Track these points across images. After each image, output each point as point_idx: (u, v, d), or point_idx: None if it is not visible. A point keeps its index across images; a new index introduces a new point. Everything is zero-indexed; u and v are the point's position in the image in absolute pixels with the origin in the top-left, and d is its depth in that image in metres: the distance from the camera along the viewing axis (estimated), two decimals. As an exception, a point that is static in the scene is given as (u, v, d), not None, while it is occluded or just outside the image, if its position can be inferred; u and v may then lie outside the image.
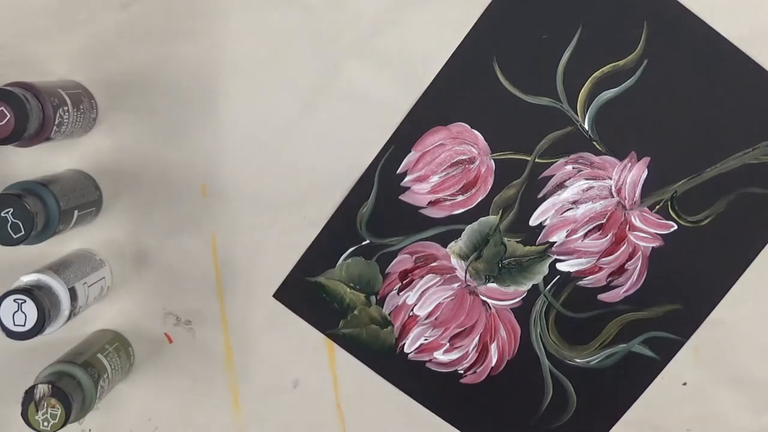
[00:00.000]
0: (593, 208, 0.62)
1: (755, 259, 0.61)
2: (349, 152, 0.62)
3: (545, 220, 0.62)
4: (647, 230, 0.61)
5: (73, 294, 0.56)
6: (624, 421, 0.63)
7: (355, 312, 0.63)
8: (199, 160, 0.62)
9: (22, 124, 0.51)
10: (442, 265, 0.63)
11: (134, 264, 0.63)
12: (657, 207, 0.61)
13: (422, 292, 0.63)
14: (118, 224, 0.63)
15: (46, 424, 0.54)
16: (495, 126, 0.61)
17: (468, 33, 0.60)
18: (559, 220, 0.62)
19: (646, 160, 0.61)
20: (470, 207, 0.62)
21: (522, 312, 0.63)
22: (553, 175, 0.61)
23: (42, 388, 0.54)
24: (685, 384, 0.63)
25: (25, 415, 0.54)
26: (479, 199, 0.62)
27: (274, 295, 0.63)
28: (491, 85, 0.61)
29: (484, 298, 0.63)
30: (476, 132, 0.61)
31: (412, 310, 0.63)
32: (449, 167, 0.62)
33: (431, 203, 0.62)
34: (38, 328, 0.53)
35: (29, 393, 0.54)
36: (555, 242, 0.62)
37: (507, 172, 0.61)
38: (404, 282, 0.63)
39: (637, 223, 0.61)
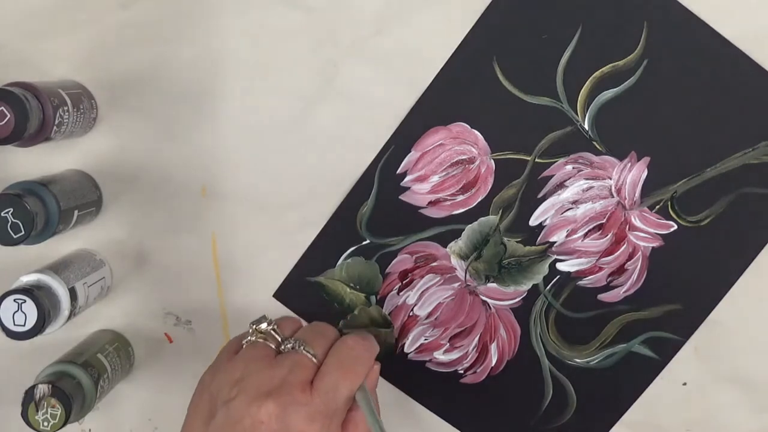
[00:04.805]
0: (593, 208, 0.62)
1: (755, 259, 0.61)
2: (349, 152, 0.62)
3: (545, 220, 0.62)
4: (647, 230, 0.61)
5: (73, 294, 0.56)
6: (624, 421, 0.63)
7: (355, 312, 0.63)
8: (199, 160, 0.62)
9: (22, 124, 0.51)
10: (442, 265, 0.63)
11: (134, 264, 0.63)
12: (657, 207, 0.61)
13: (422, 292, 0.63)
14: (118, 224, 0.63)
15: (46, 424, 0.54)
16: (495, 126, 0.61)
17: (468, 33, 0.60)
18: (559, 220, 0.62)
19: (646, 160, 0.61)
20: (470, 207, 0.62)
21: (522, 312, 0.63)
22: (553, 175, 0.61)
23: (42, 388, 0.54)
24: (685, 384, 0.63)
25: (25, 415, 0.54)
26: (479, 199, 0.62)
27: (274, 295, 0.63)
28: (491, 85, 0.61)
29: (484, 298, 0.63)
30: (476, 132, 0.61)
31: (412, 310, 0.63)
32: (449, 167, 0.62)
33: (431, 203, 0.62)
34: (38, 328, 0.53)
35: (29, 393, 0.54)
36: (555, 242, 0.62)
37: (507, 172, 0.61)
38: (404, 282, 0.63)
39: (637, 223, 0.61)
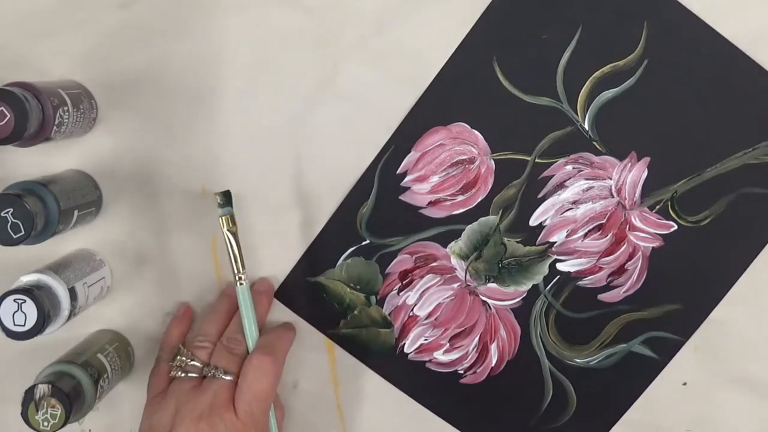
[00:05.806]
0: (593, 208, 0.62)
1: (755, 259, 0.61)
2: (349, 152, 0.62)
3: (545, 220, 0.62)
4: (647, 230, 0.61)
5: (73, 294, 0.56)
6: (624, 421, 0.63)
7: (355, 312, 0.63)
8: (199, 160, 0.62)
9: (22, 124, 0.51)
10: (442, 265, 0.63)
11: (134, 264, 0.63)
12: (657, 207, 0.61)
13: (422, 292, 0.63)
14: (118, 224, 0.63)
15: (46, 424, 0.54)
16: (495, 126, 0.61)
17: (468, 33, 0.60)
18: (559, 220, 0.62)
19: (646, 160, 0.61)
20: (470, 207, 0.62)
21: (522, 312, 0.63)
22: (553, 175, 0.61)
23: (42, 388, 0.54)
24: (685, 384, 0.63)
25: (25, 415, 0.54)
26: (479, 199, 0.62)
27: (274, 295, 0.63)
28: (491, 85, 0.61)
29: (484, 298, 0.63)
30: (476, 132, 0.61)
31: (412, 310, 0.63)
32: (449, 167, 0.62)
33: (431, 203, 0.62)
34: (38, 328, 0.53)
35: (29, 393, 0.54)
36: (555, 242, 0.62)
37: (507, 172, 0.61)
38: (404, 282, 0.63)
39: (637, 223, 0.61)
